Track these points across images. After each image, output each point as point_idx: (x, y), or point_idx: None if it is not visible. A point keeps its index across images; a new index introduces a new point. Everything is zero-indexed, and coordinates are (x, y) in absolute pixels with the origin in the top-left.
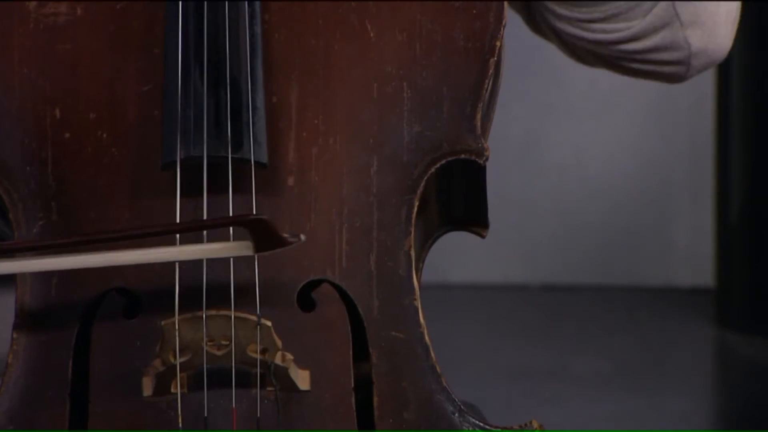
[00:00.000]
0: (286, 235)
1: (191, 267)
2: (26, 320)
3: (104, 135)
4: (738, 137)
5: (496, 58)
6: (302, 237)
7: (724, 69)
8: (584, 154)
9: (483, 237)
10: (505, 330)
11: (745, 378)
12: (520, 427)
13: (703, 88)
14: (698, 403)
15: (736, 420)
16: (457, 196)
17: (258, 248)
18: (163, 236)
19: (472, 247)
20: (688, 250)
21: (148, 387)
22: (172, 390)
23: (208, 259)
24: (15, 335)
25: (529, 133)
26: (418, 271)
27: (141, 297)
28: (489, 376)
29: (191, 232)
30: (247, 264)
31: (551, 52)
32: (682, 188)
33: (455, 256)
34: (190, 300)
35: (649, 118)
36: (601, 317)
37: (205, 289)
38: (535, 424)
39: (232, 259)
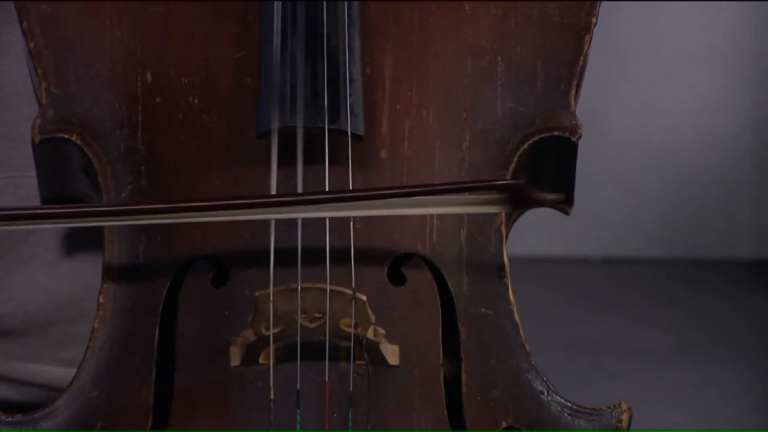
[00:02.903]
0: (545, 195)
1: (285, 238)
2: (113, 285)
3: (196, 101)
4: None
5: (591, 35)
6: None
7: None
8: (646, 126)
9: (567, 214)
10: (566, 303)
11: None
12: (608, 408)
13: None
14: (760, 377)
15: None
16: (546, 173)
17: (514, 207)
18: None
19: (533, 219)
20: (752, 222)
21: (236, 357)
22: (261, 361)
23: (302, 232)
24: (101, 300)
25: (590, 104)
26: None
27: (230, 266)
28: (550, 349)
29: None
30: (342, 236)
31: (612, 21)
32: (745, 159)
33: (516, 229)
34: (283, 271)
35: (712, 88)
36: (662, 290)
37: (300, 261)
38: (624, 406)
39: (328, 232)
